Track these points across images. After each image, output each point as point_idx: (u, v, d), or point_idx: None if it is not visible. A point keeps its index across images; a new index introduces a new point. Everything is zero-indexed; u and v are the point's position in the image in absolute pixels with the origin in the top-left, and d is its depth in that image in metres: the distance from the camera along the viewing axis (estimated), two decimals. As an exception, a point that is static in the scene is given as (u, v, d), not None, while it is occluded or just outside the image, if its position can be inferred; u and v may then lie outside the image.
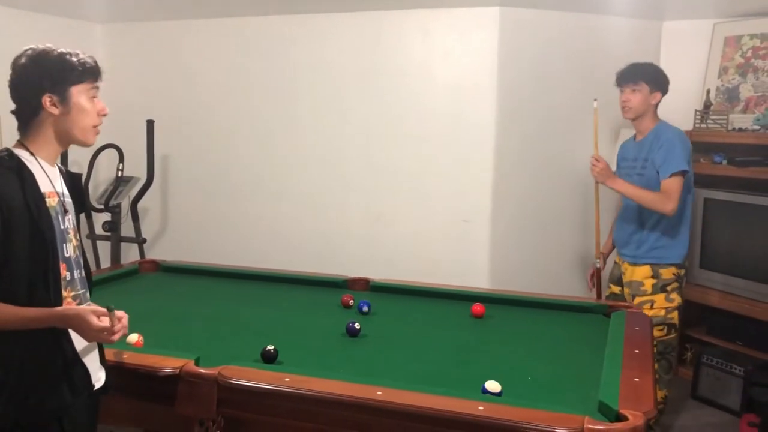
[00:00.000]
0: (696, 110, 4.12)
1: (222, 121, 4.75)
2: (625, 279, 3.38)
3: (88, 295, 1.88)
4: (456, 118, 4.18)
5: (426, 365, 2.26)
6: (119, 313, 1.72)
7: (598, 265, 3.55)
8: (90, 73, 1.76)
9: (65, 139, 1.77)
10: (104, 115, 1.80)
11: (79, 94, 1.74)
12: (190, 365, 2.02)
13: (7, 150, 1.72)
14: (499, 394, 1.90)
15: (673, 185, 3.13)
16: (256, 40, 4.60)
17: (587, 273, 3.68)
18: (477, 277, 4.03)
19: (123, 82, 4.85)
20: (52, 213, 1.73)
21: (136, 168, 4.51)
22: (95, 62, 1.78)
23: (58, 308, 1.68)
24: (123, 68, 4.92)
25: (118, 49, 4.93)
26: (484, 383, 1.93)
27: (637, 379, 1.99)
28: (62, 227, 1.76)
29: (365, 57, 4.36)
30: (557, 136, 3.55)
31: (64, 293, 1.74)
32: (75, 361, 1.76)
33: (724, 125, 3.99)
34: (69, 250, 1.78)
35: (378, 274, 3.34)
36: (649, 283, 3.27)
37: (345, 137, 4.45)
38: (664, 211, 3.16)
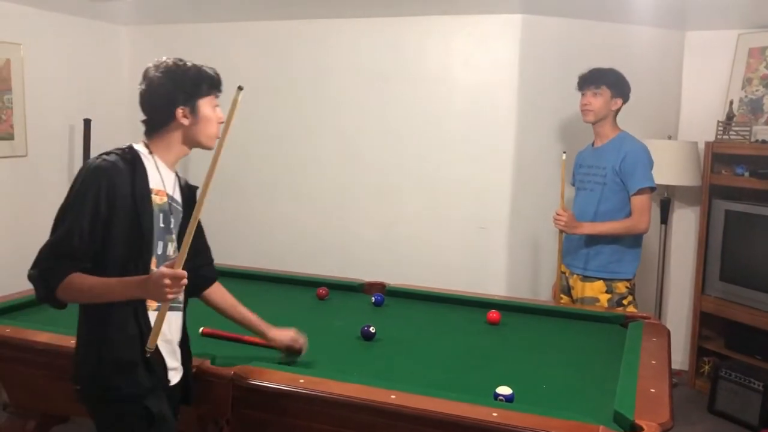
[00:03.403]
0: (718, 121, 4.09)
1: (241, 123, 4.74)
2: (576, 295, 3.26)
3: (180, 297, 1.91)
4: (475, 124, 4.18)
5: (440, 370, 2.26)
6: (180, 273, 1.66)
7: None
8: (216, 86, 1.91)
9: (191, 144, 1.91)
10: (221, 123, 1.90)
11: (205, 105, 1.87)
12: (206, 364, 2.04)
13: (129, 146, 1.83)
14: (510, 396, 1.89)
15: (643, 203, 3.12)
16: (276, 43, 4.63)
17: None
18: (493, 284, 4.02)
19: (146, 84, 4.90)
20: (156, 209, 1.80)
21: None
22: (218, 75, 1.93)
23: (138, 276, 1.70)
24: (146, 70, 4.97)
25: (142, 51, 4.98)
26: (495, 389, 1.93)
27: (653, 390, 1.97)
28: (162, 225, 1.82)
29: (385, 62, 4.37)
30: (577, 145, 3.54)
31: None
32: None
33: (747, 137, 3.95)
34: (165, 248, 1.84)
35: (393, 278, 3.34)
36: (604, 298, 3.15)
37: (363, 141, 4.46)
38: (639, 233, 3.15)
